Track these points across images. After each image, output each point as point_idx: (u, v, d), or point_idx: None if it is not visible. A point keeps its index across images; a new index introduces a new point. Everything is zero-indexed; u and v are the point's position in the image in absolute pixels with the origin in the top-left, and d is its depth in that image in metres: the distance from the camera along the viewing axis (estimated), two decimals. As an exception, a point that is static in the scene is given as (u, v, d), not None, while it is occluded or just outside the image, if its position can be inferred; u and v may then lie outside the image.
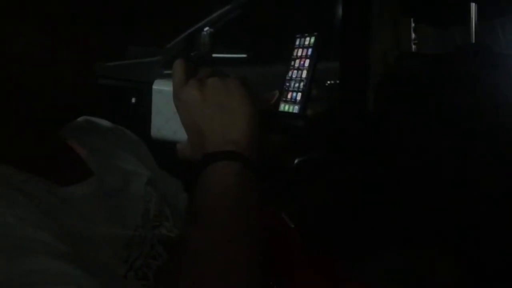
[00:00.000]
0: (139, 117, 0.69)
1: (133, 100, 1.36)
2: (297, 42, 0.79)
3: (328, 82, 2.71)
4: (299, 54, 0.78)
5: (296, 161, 1.15)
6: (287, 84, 0.79)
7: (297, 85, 0.78)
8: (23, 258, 0.42)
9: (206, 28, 2.56)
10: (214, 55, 2.92)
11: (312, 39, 0.77)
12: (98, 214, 0.59)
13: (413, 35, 0.95)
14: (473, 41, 0.79)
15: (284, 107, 0.80)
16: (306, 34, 0.78)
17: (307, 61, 0.76)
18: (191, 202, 0.58)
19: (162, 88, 0.64)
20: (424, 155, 0.89)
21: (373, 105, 1.04)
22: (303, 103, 0.76)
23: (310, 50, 0.76)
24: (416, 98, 0.88)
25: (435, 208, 0.91)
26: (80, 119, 0.74)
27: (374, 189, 1.11)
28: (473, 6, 0.78)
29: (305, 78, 0.76)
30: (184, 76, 0.61)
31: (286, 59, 0.75)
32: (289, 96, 0.79)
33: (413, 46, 0.95)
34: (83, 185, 0.61)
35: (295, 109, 0.78)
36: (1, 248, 0.43)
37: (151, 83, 0.66)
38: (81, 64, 0.59)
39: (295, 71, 0.79)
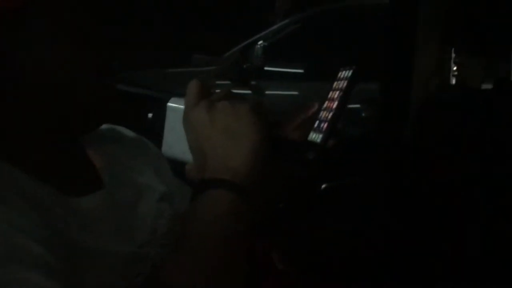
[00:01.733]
0: (155, 132, 0.69)
1: (150, 115, 1.39)
2: (339, 75, 0.79)
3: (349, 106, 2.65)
4: (336, 86, 0.79)
5: (323, 186, 1.13)
6: (320, 113, 0.79)
7: (326, 115, 0.78)
8: (3, 268, 0.43)
9: (260, 42, 2.58)
10: (268, 68, 2.93)
11: (350, 73, 0.77)
12: (103, 228, 0.60)
13: (454, 67, 0.90)
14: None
15: (311, 135, 0.80)
16: (348, 67, 0.78)
17: (341, 93, 0.76)
18: (181, 226, 0.57)
19: (177, 106, 0.64)
20: (457, 190, 0.84)
21: (411, 131, 1.00)
22: (327, 134, 0.75)
23: (345, 82, 0.76)
24: (455, 130, 0.84)
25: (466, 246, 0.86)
26: (104, 127, 0.76)
27: (405, 220, 1.07)
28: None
29: (335, 108, 0.76)
30: (196, 96, 0.61)
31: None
32: (316, 124, 0.78)
33: (453, 78, 0.90)
34: (92, 197, 0.62)
35: (319, 138, 0.78)
36: None
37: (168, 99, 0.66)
38: (99, 72, 0.61)
39: (327, 102, 0.79)
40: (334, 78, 0.80)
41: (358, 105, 2.61)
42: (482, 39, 0.81)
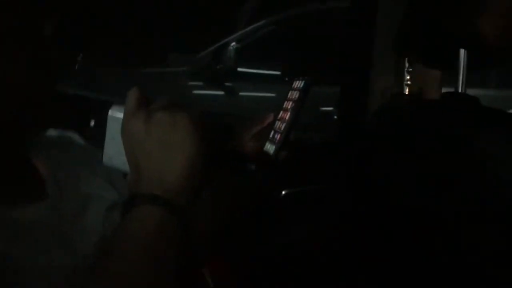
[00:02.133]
0: (97, 140, 0.67)
1: (92, 123, 1.35)
2: (293, 84, 0.79)
3: (322, 108, 2.69)
4: (290, 96, 0.79)
5: (283, 193, 1.13)
6: (276, 123, 0.79)
7: (280, 125, 0.78)
8: None
9: (233, 43, 2.58)
10: (242, 69, 2.93)
11: (302, 83, 0.77)
12: (45, 239, 0.58)
13: (406, 76, 0.92)
14: (461, 89, 0.76)
15: (266, 146, 0.80)
16: (301, 78, 0.78)
17: (293, 104, 0.76)
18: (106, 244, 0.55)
19: (117, 115, 0.61)
20: (410, 196, 0.86)
21: (366, 139, 1.01)
22: (279, 145, 0.76)
23: (298, 93, 0.76)
24: (398, 141, 0.85)
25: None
26: (53, 133, 0.74)
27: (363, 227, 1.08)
28: (462, 52, 0.75)
29: (287, 119, 0.76)
30: (134, 106, 0.58)
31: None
32: (271, 135, 0.79)
33: (406, 88, 0.92)
34: (35, 208, 0.60)
35: (272, 149, 0.78)
36: None
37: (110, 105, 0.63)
38: (33, 77, 0.58)
39: (282, 112, 0.79)
40: (289, 87, 0.80)
41: (331, 108, 2.63)
42: (435, 50, 0.82)
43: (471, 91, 0.76)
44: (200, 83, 2.79)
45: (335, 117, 1.80)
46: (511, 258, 0.64)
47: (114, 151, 0.62)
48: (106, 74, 2.97)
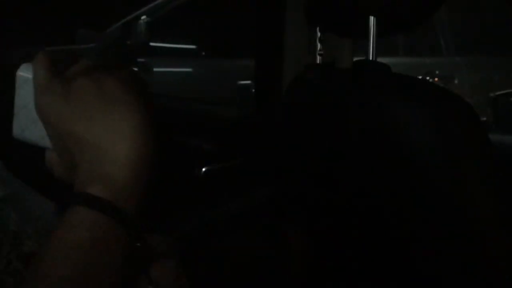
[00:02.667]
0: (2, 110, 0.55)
1: None
2: None
3: (240, 82, 2.69)
4: None
5: (203, 170, 1.10)
6: None
7: None
8: None
9: (143, 17, 2.46)
10: (155, 44, 2.83)
11: None
12: None
13: (319, 46, 0.91)
14: (372, 57, 0.75)
15: None
16: None
17: None
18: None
19: (29, 75, 0.48)
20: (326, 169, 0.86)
21: (281, 111, 1.00)
22: None
23: None
24: (313, 112, 0.85)
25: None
26: None
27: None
28: (371, 19, 0.74)
29: None
30: (46, 76, 0.45)
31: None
32: None
33: (318, 57, 0.91)
34: None
35: None
36: None
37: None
38: None
39: None
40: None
41: (249, 82, 2.62)
42: (345, 18, 0.81)
43: (380, 60, 0.75)
44: (111, 60, 2.65)
45: (253, 90, 1.79)
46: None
47: (27, 121, 0.49)
48: (8, 54, 2.74)
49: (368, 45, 0.75)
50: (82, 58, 0.48)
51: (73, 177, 0.44)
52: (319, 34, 0.90)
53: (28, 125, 0.49)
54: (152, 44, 2.68)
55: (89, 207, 0.41)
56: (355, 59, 0.86)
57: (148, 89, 0.47)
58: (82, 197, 0.42)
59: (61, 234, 0.41)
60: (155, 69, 2.81)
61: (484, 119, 2.27)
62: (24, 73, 0.49)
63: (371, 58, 0.76)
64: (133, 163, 0.43)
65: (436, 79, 3.19)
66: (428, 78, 3.07)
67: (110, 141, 0.43)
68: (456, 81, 3.25)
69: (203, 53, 3.27)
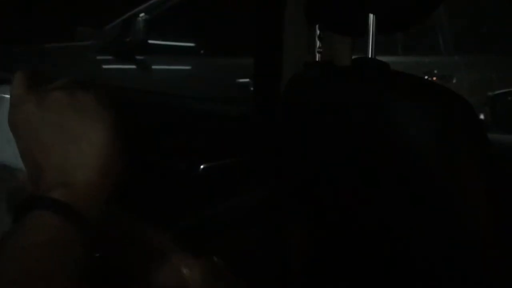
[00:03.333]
0: None
1: None
2: None
3: (239, 80, 2.69)
4: None
5: (202, 167, 1.10)
6: None
7: None
8: None
9: (142, 14, 2.46)
10: (154, 42, 2.82)
11: None
12: None
13: (318, 44, 0.90)
14: (371, 55, 0.75)
15: None
16: None
17: None
18: None
19: (6, 96, 0.50)
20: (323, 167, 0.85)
21: (281, 110, 1.00)
22: None
23: None
24: (312, 110, 0.84)
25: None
26: None
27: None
28: (371, 17, 0.74)
29: None
30: (23, 91, 0.47)
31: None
32: None
33: (317, 55, 0.91)
34: None
35: None
36: None
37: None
38: None
39: None
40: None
41: (247, 80, 2.61)
42: (345, 16, 0.81)
43: (379, 58, 0.75)
44: (110, 57, 2.65)
45: (252, 88, 1.78)
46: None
47: (1, 142, 0.50)
48: (7, 51, 2.73)
49: (367, 43, 0.75)
50: (58, 81, 0.50)
51: (36, 188, 0.46)
52: (318, 32, 0.90)
53: (3, 146, 0.50)
54: (150, 41, 2.68)
55: (46, 209, 0.42)
56: (354, 57, 0.86)
57: (120, 105, 0.49)
58: (41, 200, 0.43)
59: (15, 237, 0.42)
60: (153, 67, 2.80)
61: (482, 118, 2.27)
62: (0, 93, 0.51)
63: (370, 56, 0.76)
64: (96, 170, 0.45)
65: (434, 78, 3.19)
66: (426, 77, 3.07)
67: (77, 148, 0.45)
68: (454, 81, 3.25)
69: (202, 51, 3.26)
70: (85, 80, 0.50)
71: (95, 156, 0.45)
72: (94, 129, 0.45)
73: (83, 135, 0.45)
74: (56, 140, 0.45)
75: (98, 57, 2.64)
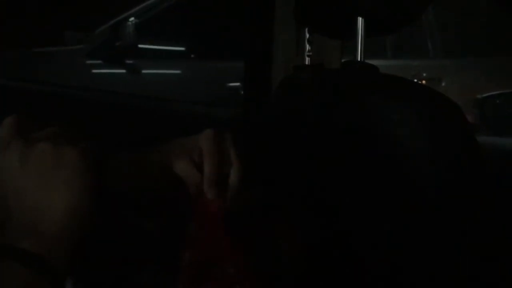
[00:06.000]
0: None
1: None
2: None
3: (230, 84, 2.69)
4: None
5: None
6: None
7: None
8: None
9: (131, 18, 2.45)
10: (144, 46, 2.81)
11: None
12: None
13: (307, 47, 0.91)
14: (360, 58, 0.75)
15: None
16: None
17: None
18: None
19: None
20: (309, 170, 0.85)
21: (269, 113, 1.00)
22: None
23: None
24: (302, 113, 0.85)
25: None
26: None
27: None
28: (360, 20, 0.74)
29: None
30: (9, 135, 0.48)
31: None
32: None
33: (307, 58, 0.91)
34: None
35: None
36: None
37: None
38: None
39: None
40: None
41: (238, 84, 2.61)
42: (334, 19, 0.82)
43: (368, 61, 0.76)
44: (99, 62, 2.64)
45: (242, 92, 1.78)
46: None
47: None
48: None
49: (356, 46, 0.76)
50: (49, 127, 0.51)
51: (3, 236, 0.46)
52: (307, 35, 0.90)
53: None
54: (140, 46, 2.67)
55: (15, 260, 0.42)
56: (343, 60, 0.87)
57: (103, 160, 0.51)
58: (11, 250, 0.43)
59: None
60: (143, 71, 2.79)
61: (471, 120, 2.29)
62: None
63: (359, 59, 0.76)
64: (66, 221, 0.46)
65: (423, 81, 3.21)
66: (415, 80, 3.09)
67: (51, 199, 0.46)
68: (443, 84, 3.28)
69: (192, 55, 3.26)
70: (73, 130, 0.51)
71: (68, 209, 0.46)
72: (71, 187, 0.47)
73: (61, 188, 0.46)
74: (31, 188, 0.46)
75: (88, 62, 2.63)
